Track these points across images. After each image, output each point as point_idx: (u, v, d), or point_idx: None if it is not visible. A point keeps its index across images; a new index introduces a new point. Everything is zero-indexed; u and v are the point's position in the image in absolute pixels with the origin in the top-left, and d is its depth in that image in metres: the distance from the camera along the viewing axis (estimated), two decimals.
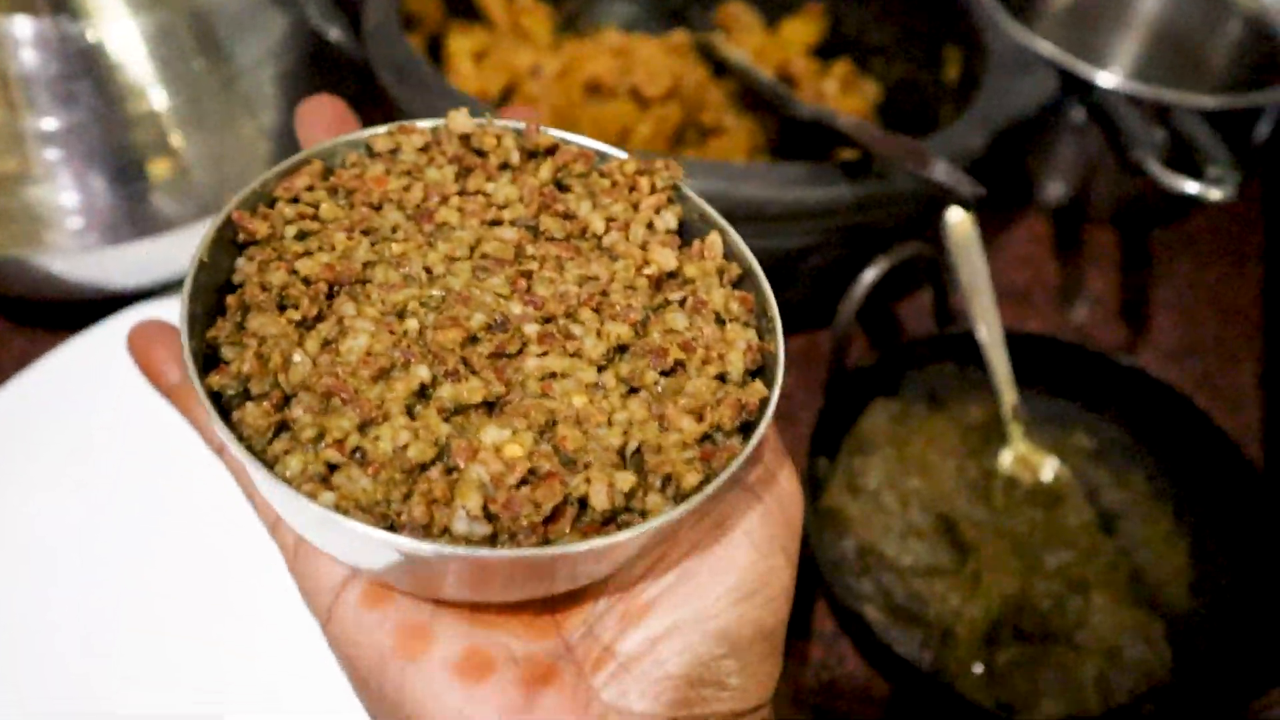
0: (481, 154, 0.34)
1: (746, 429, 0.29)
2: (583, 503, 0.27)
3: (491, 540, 0.26)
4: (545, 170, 0.33)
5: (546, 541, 0.26)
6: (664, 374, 0.30)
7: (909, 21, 0.73)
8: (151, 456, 0.56)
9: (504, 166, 0.34)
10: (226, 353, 0.29)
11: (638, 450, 0.28)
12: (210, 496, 0.54)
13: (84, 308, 0.61)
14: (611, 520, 0.27)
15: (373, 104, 0.71)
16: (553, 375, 0.29)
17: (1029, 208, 0.77)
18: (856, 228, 0.56)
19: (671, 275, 0.32)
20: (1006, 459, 0.57)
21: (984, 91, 0.61)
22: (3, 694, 0.47)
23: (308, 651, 0.47)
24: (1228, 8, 0.78)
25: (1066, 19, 0.82)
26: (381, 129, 0.34)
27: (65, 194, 0.56)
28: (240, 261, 0.30)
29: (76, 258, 0.56)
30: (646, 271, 0.31)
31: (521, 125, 0.34)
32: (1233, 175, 0.58)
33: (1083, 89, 0.67)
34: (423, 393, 0.28)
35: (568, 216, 0.33)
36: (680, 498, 0.27)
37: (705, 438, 0.29)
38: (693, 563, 0.30)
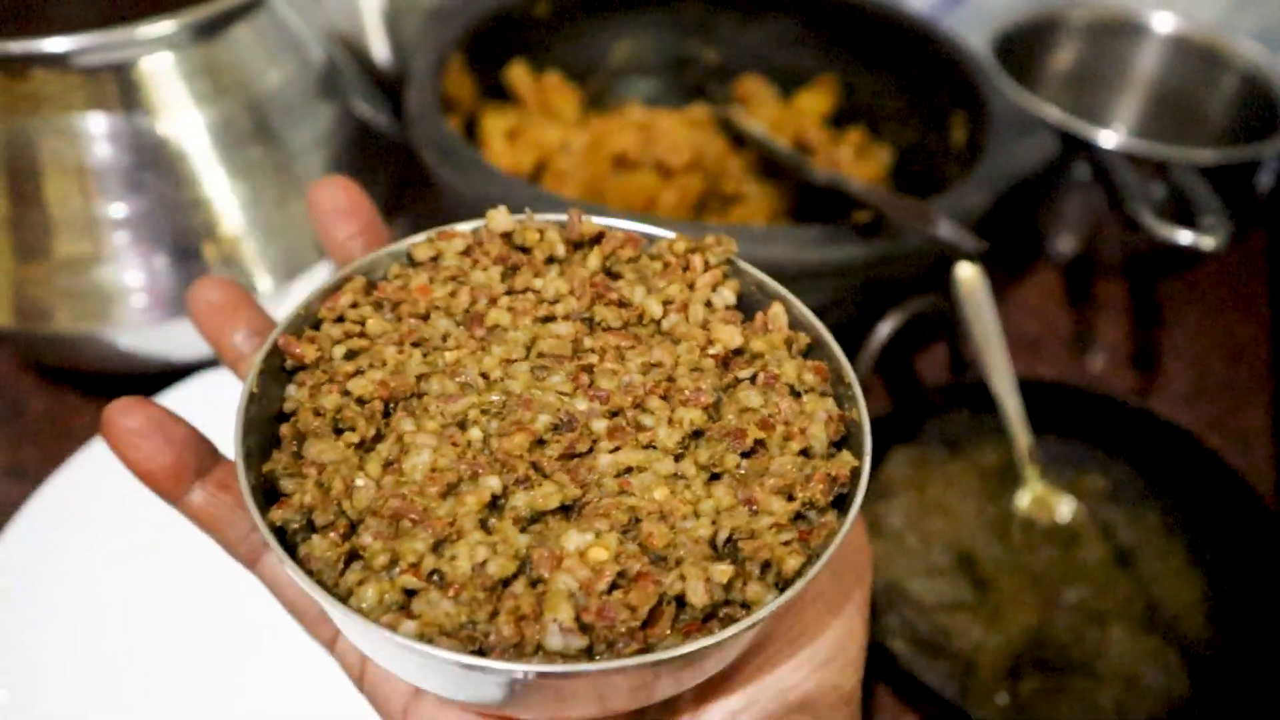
0: (526, 250, 0.33)
1: (838, 501, 0.28)
2: (680, 601, 0.26)
3: (588, 653, 0.25)
4: (594, 259, 0.32)
5: (647, 648, 0.25)
6: (745, 455, 0.29)
7: (918, 89, 0.77)
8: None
9: (550, 260, 0.33)
10: (286, 485, 0.28)
11: (730, 539, 0.27)
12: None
13: (148, 379, 0.65)
14: (712, 616, 0.26)
15: (415, 184, 0.76)
16: (629, 470, 0.28)
17: (1039, 261, 0.80)
18: (871, 284, 0.59)
19: (738, 352, 0.31)
20: (1024, 500, 0.59)
21: (988, 153, 0.64)
22: None
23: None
24: (1224, 65, 0.82)
25: (1068, 81, 0.86)
26: (420, 237, 0.33)
27: (131, 274, 0.60)
28: (291, 389, 0.30)
29: (141, 332, 0.61)
30: (711, 351, 0.30)
31: (563, 217, 0.33)
32: (1225, 225, 0.61)
33: (1084, 148, 0.70)
34: (495, 504, 0.27)
35: (623, 304, 0.31)
36: (782, 582, 0.26)
37: (798, 517, 0.28)
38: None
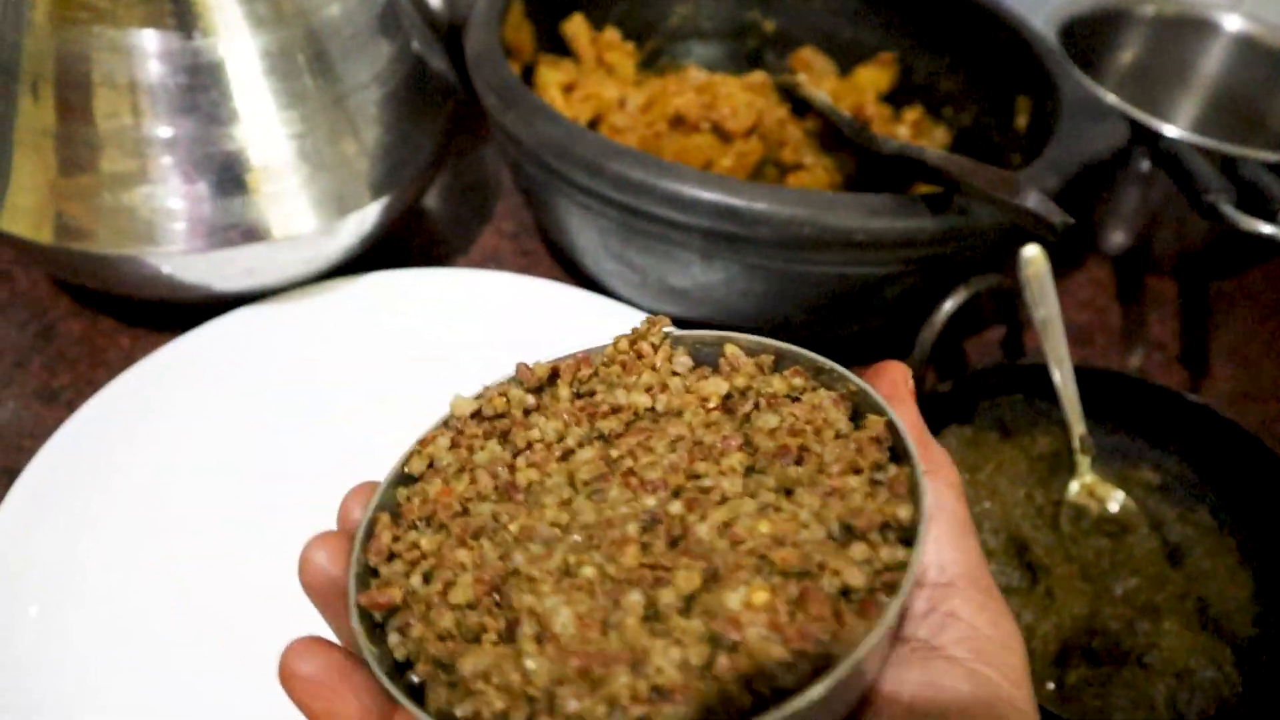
0: (500, 416, 0.34)
1: (893, 457, 0.30)
2: (844, 592, 0.27)
3: (815, 674, 0.25)
4: (564, 392, 0.34)
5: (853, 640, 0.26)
6: (798, 464, 0.30)
7: (981, 71, 0.75)
8: (248, 456, 0.58)
9: (527, 412, 0.34)
10: (464, 710, 0.27)
11: (841, 527, 0.28)
12: (304, 499, 0.56)
13: (187, 311, 0.64)
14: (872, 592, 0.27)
15: (470, 129, 0.75)
16: (726, 526, 0.29)
17: (1090, 254, 0.79)
18: (934, 260, 0.58)
19: (728, 397, 0.32)
20: (1074, 489, 0.58)
21: (1057, 138, 0.63)
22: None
23: None
24: None
25: (1129, 75, 0.85)
26: (399, 459, 0.33)
27: (175, 198, 0.59)
28: (394, 638, 0.29)
29: (181, 260, 0.59)
30: (710, 405, 0.32)
31: (511, 373, 0.35)
32: None
33: (1150, 139, 0.69)
34: (647, 616, 0.27)
35: (615, 410, 0.33)
36: (905, 537, 0.28)
37: (873, 482, 0.29)
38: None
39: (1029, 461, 0.59)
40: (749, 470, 0.30)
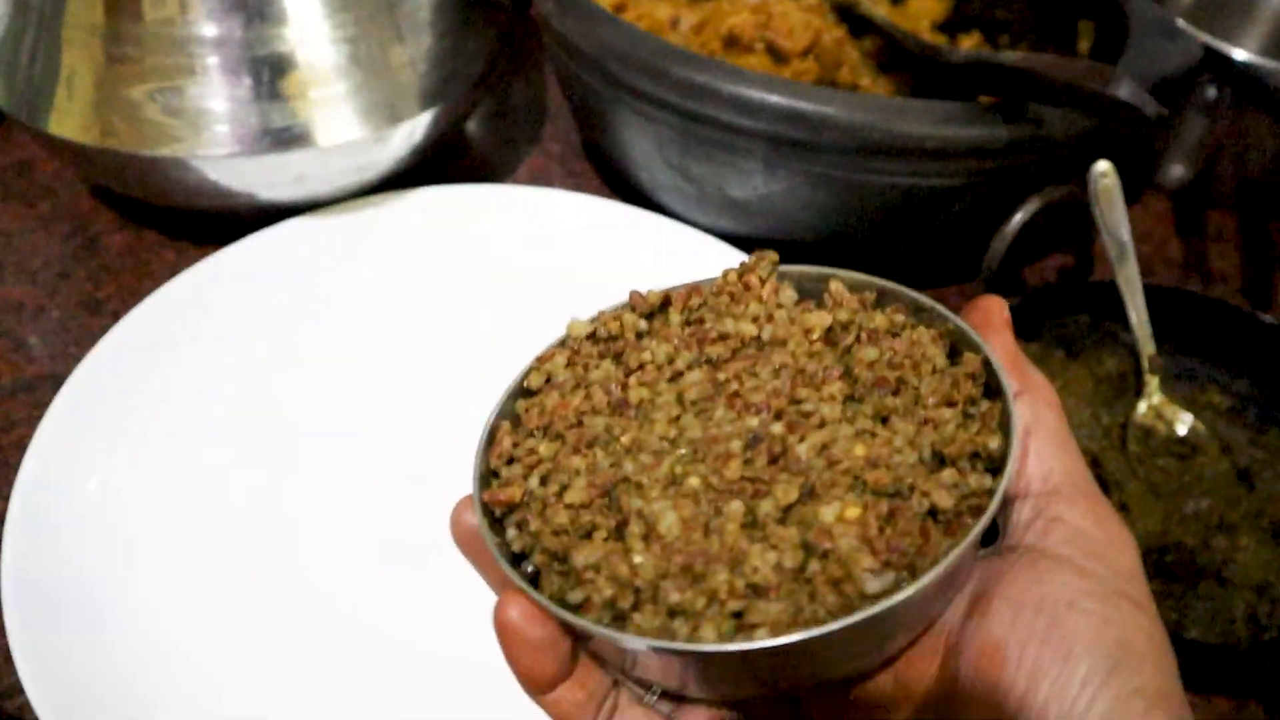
0: (613, 338, 0.35)
1: (986, 393, 0.31)
2: (932, 514, 0.28)
3: (899, 584, 0.27)
4: (675, 317, 0.35)
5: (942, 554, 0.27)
6: (894, 394, 0.31)
7: None
8: (291, 368, 0.57)
9: (639, 336, 0.35)
10: (575, 597, 0.29)
11: (933, 453, 0.30)
12: (346, 411, 0.55)
13: (234, 224, 0.63)
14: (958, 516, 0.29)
15: (522, 38, 0.73)
16: (824, 447, 0.30)
17: (1148, 190, 0.77)
18: (1003, 172, 0.56)
19: (830, 330, 0.34)
20: (1141, 410, 0.57)
21: (1128, 56, 0.61)
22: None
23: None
24: None
25: (1193, 6, 0.83)
26: (518, 374, 0.35)
27: (221, 99, 0.57)
28: (512, 532, 0.31)
29: (227, 164, 0.58)
30: (814, 338, 0.33)
31: (625, 299, 0.36)
32: None
33: (1221, 64, 0.67)
34: (745, 524, 0.29)
35: (723, 337, 0.34)
36: (991, 465, 0.29)
37: (966, 415, 0.31)
38: (1027, 651, 0.28)
39: (1094, 382, 0.58)
40: (848, 399, 0.32)
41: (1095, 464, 0.53)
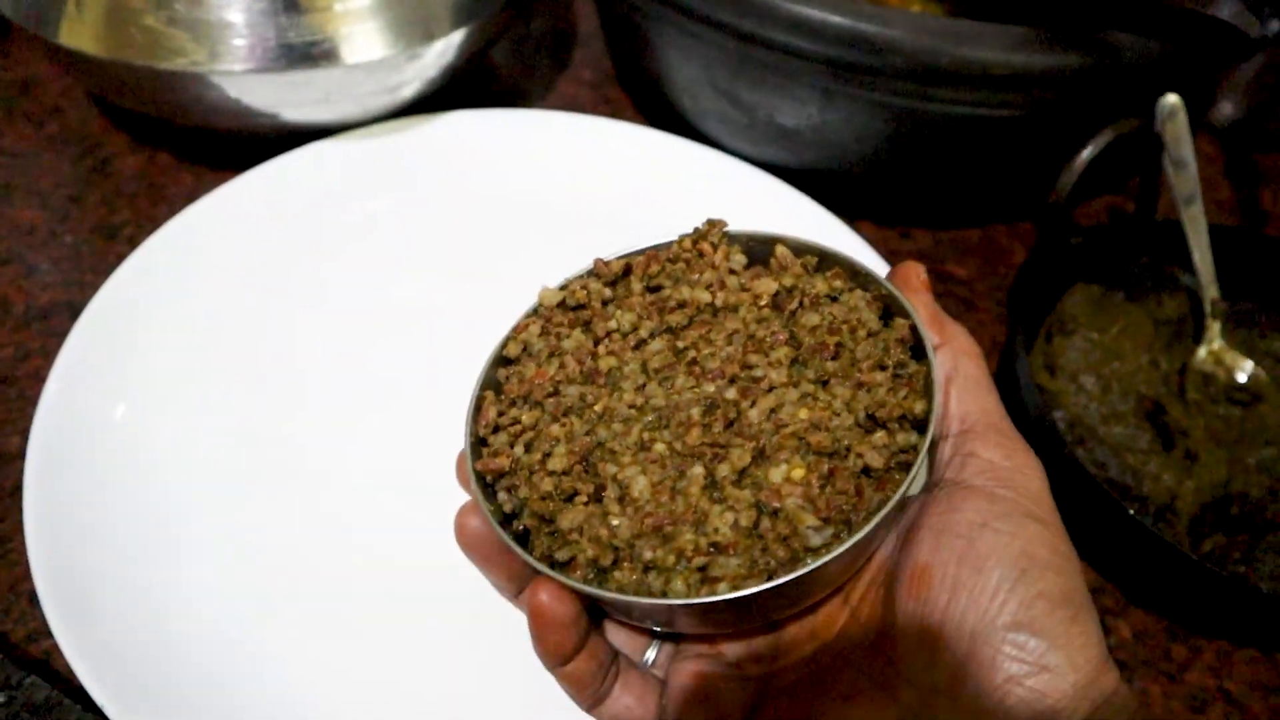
0: (581, 306, 0.38)
1: (917, 353, 0.35)
2: (866, 471, 0.32)
3: (836, 538, 0.31)
4: (636, 286, 0.39)
5: (876, 507, 0.31)
6: (834, 359, 0.35)
7: None
8: (313, 295, 0.55)
9: (606, 303, 0.38)
10: (563, 556, 0.32)
11: (867, 415, 0.33)
12: (369, 342, 0.53)
13: (255, 148, 0.60)
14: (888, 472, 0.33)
15: None
16: (773, 411, 0.34)
17: (1199, 128, 0.75)
18: (1067, 103, 0.53)
19: (776, 294, 0.37)
20: (1201, 355, 0.55)
21: None
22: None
23: None
24: None
25: None
26: (498, 343, 0.38)
27: (242, 11, 0.54)
28: (503, 495, 0.34)
29: (249, 80, 0.55)
30: (762, 304, 0.37)
31: (590, 266, 0.39)
32: None
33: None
34: (706, 485, 0.33)
35: (681, 305, 0.37)
36: (918, 424, 0.33)
37: (896, 376, 0.34)
38: (947, 570, 0.32)
39: (1154, 325, 0.56)
40: (793, 362, 0.35)
41: (1159, 410, 0.51)
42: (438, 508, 0.41)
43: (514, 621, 0.36)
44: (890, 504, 0.31)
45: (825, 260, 0.38)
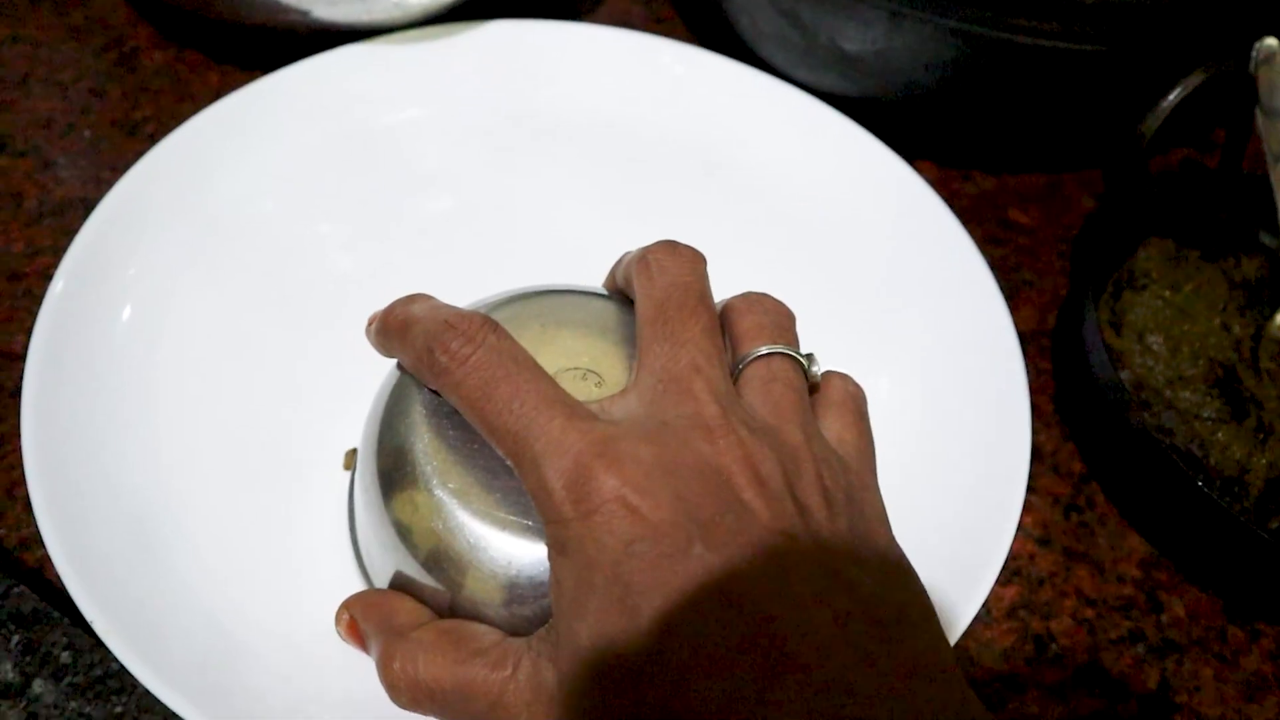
0: None
1: None
2: None
3: None
4: None
5: None
6: None
7: None
8: (339, 202, 0.52)
9: None
10: None
11: None
12: (391, 252, 0.50)
13: (282, 47, 0.57)
14: None
15: None
16: None
17: None
18: (1156, 40, 0.50)
19: None
20: (1279, 322, 0.51)
21: None
22: None
23: None
24: None
25: None
26: None
27: None
28: None
29: None
30: None
31: None
32: None
33: None
34: None
35: None
36: None
37: None
38: None
39: (1229, 287, 0.52)
40: None
41: (1231, 378, 0.48)
42: None
43: None
44: None
45: None
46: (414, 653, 0.31)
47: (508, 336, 0.32)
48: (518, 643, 0.30)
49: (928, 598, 0.30)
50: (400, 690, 0.31)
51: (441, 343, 0.31)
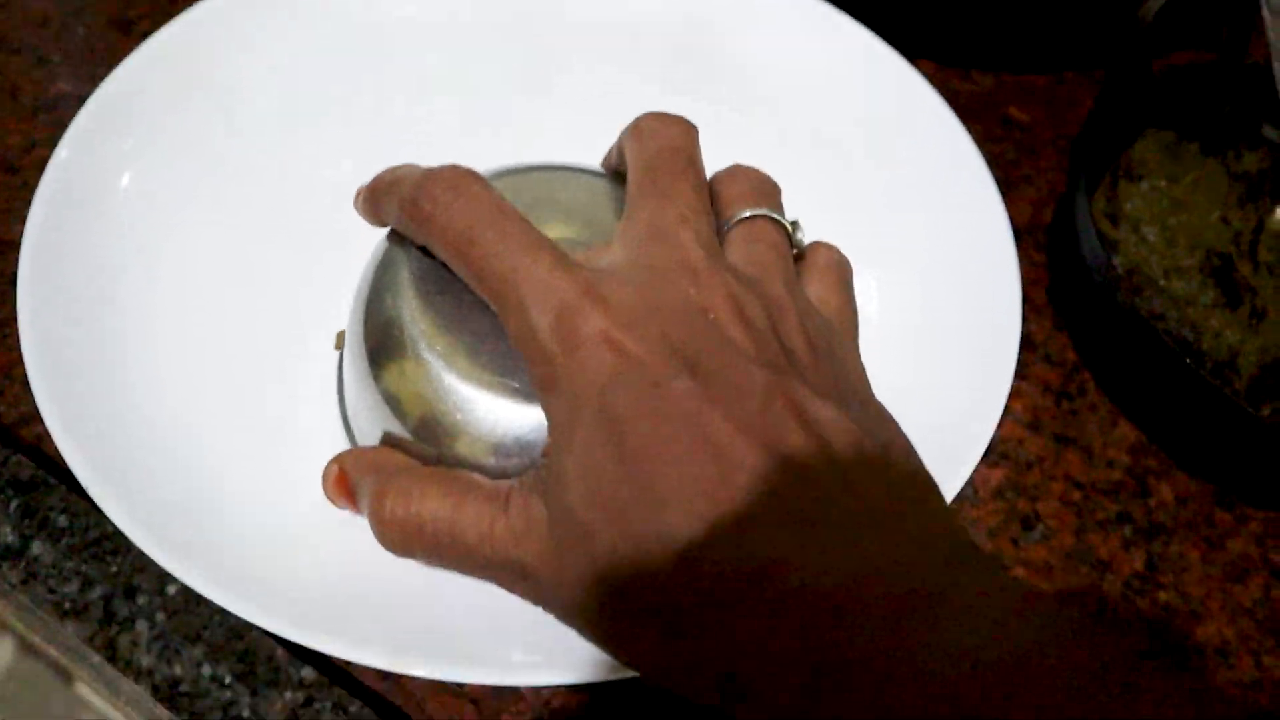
0: None
1: None
2: None
3: None
4: None
5: None
6: None
7: None
8: (333, 101, 0.52)
9: None
10: None
11: None
12: (386, 150, 0.50)
13: None
14: None
15: None
16: None
17: None
18: None
19: None
20: (1279, 216, 0.51)
21: None
22: None
23: None
24: None
25: None
26: None
27: None
28: None
29: None
30: None
31: None
32: None
33: None
34: None
35: None
36: None
37: None
38: None
39: (1229, 180, 0.52)
40: None
41: (1228, 267, 0.48)
42: None
43: None
44: None
45: None
46: (407, 487, 0.31)
47: (492, 187, 0.32)
48: (509, 481, 0.31)
49: (908, 440, 0.31)
50: (391, 528, 0.31)
51: (426, 190, 0.32)
